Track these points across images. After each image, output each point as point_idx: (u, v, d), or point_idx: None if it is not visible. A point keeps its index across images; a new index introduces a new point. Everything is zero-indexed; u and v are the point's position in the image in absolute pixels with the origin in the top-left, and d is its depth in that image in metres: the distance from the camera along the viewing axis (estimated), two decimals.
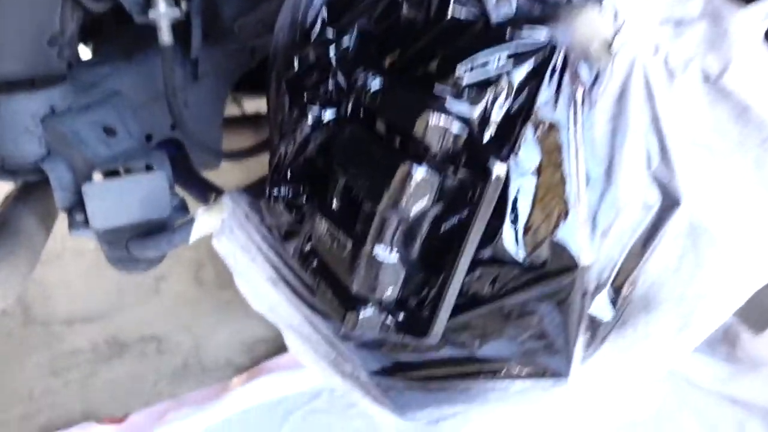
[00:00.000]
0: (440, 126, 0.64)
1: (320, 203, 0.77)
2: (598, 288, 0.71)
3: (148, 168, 1.09)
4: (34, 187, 1.23)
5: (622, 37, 0.69)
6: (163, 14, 1.05)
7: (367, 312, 0.70)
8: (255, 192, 1.05)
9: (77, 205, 1.09)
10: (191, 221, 1.06)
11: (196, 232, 1.06)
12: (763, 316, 1.34)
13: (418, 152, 0.66)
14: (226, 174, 1.65)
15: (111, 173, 1.10)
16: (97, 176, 1.11)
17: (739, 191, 0.71)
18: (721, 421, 1.68)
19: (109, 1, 1.08)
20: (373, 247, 0.67)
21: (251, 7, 1.13)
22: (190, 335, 1.83)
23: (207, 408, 1.56)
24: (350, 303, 0.71)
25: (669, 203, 0.70)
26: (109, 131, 1.13)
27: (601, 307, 0.72)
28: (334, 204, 0.75)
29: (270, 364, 1.71)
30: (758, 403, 1.69)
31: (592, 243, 0.69)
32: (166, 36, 1.07)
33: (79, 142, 1.08)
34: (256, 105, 1.80)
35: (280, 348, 1.73)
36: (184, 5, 1.10)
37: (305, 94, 0.81)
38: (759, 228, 0.71)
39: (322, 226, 0.75)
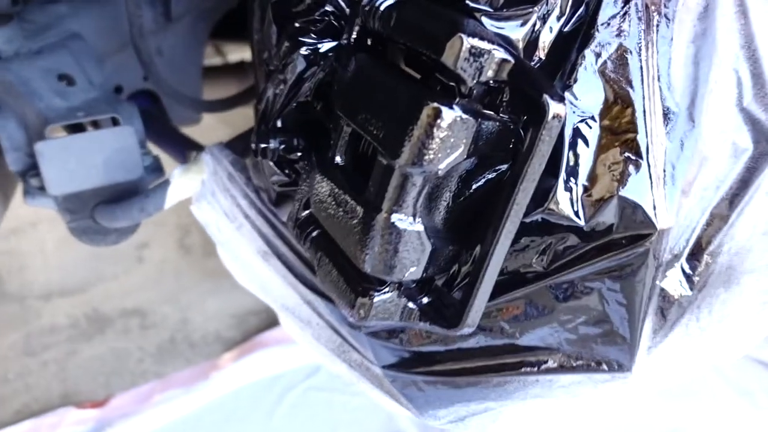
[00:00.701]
0: (477, 51, 0.48)
1: (320, 159, 0.61)
2: (674, 259, 0.56)
3: (114, 122, 0.92)
4: None
5: None
6: None
7: (384, 296, 0.55)
8: (240, 147, 0.89)
9: (32, 168, 0.93)
10: (166, 183, 0.90)
11: (173, 196, 0.90)
12: None
13: (448, 87, 0.50)
14: (210, 132, 1.49)
15: (72, 128, 0.94)
16: (56, 133, 0.95)
17: None
18: (756, 386, 1.56)
19: None
20: (390, 214, 0.52)
21: None
22: (176, 307, 1.69)
23: (195, 388, 1.43)
24: (362, 285, 0.56)
25: (764, 148, 0.55)
26: (66, 79, 0.96)
27: (674, 283, 0.57)
28: (338, 159, 0.59)
29: (263, 338, 1.57)
30: None
31: (671, 201, 0.53)
32: None
33: (29, 93, 0.92)
34: (240, 53, 1.62)
35: (273, 321, 1.59)
36: None
37: (296, 21, 0.64)
38: None
39: (323, 187, 0.59)
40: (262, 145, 0.67)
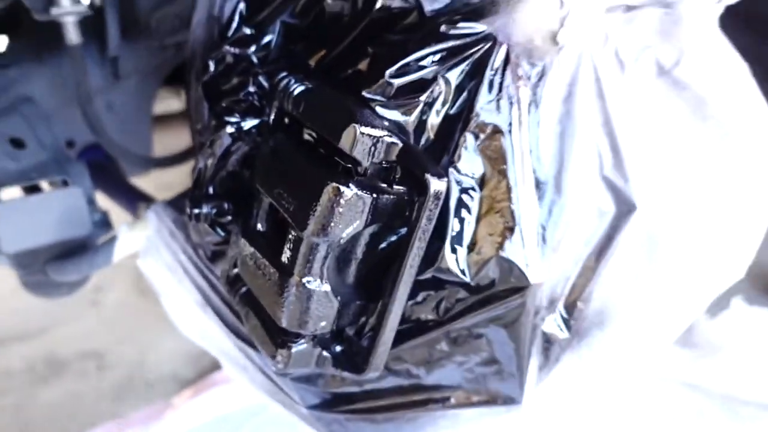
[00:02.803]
0: (370, 137, 0.57)
1: (244, 225, 0.69)
2: (551, 307, 0.65)
3: (64, 183, 0.99)
4: None
5: (568, 28, 0.62)
6: (67, 11, 0.94)
7: (301, 347, 0.63)
8: (181, 205, 0.97)
9: None
10: (114, 239, 0.97)
11: (120, 251, 0.97)
12: None
13: (347, 167, 0.59)
14: (164, 176, 1.55)
15: (27, 189, 1.00)
16: (6, 194, 1.01)
17: (699, 193, 0.65)
18: (680, 407, 1.66)
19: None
20: (302, 278, 0.60)
21: (168, 0, 1.03)
22: (132, 349, 1.73)
23: (151, 428, 1.47)
24: (281, 338, 0.63)
25: (623, 209, 0.64)
26: (18, 143, 1.02)
27: (554, 326, 0.66)
28: (259, 226, 0.67)
29: (216, 376, 1.62)
30: (716, 389, 1.67)
31: (543, 259, 0.62)
32: (73, 35, 0.97)
33: None
34: None
35: None
36: None
37: (223, 101, 0.73)
38: (716, 235, 0.66)
39: (246, 250, 0.67)
40: (196, 210, 0.74)
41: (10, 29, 1.23)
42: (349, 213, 0.57)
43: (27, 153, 1.02)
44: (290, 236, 0.61)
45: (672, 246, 0.64)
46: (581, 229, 0.64)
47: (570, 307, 0.65)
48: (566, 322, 0.66)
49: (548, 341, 0.66)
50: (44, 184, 1.06)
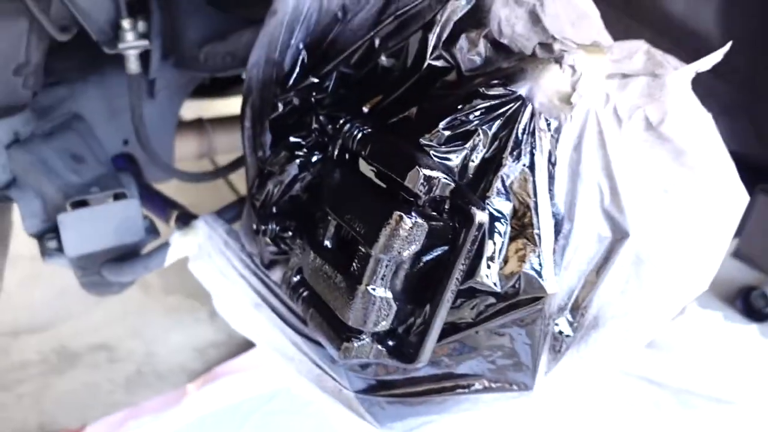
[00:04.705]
0: (429, 178, 0.72)
1: (311, 241, 0.84)
2: (560, 311, 0.81)
3: (122, 195, 1.12)
4: None
5: (578, 91, 0.79)
6: (131, 45, 1.07)
7: (362, 342, 0.78)
8: (228, 216, 1.11)
9: (48, 232, 1.11)
10: (166, 245, 1.10)
11: (172, 255, 1.10)
12: None
13: (408, 199, 0.74)
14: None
15: (80, 202, 1.12)
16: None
17: (675, 225, 0.82)
18: (639, 399, 1.86)
19: (75, 31, 1.09)
20: (368, 286, 0.75)
21: (218, 36, 1.17)
22: (141, 342, 1.85)
23: (166, 414, 1.60)
24: (346, 334, 0.78)
25: (619, 236, 0.80)
26: (78, 158, 1.15)
27: (561, 327, 0.83)
28: (327, 243, 0.82)
29: (223, 368, 1.76)
30: (670, 383, 1.88)
31: (557, 275, 0.79)
32: (133, 66, 1.10)
33: (48, 171, 1.10)
34: (197, 111, 1.81)
35: (232, 351, 1.78)
36: (142, 26, 1.13)
37: (291, 138, 0.87)
38: (688, 257, 0.83)
39: (316, 263, 0.81)
40: (263, 227, 0.89)
41: (58, 50, 1.35)
42: (410, 236, 0.73)
43: (86, 167, 1.14)
44: (360, 252, 0.76)
45: (655, 264, 0.81)
46: (586, 250, 0.80)
47: (574, 312, 0.82)
48: (571, 324, 0.82)
49: (556, 339, 0.83)
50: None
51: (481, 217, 0.73)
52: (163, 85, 1.41)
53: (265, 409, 1.64)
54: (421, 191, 0.72)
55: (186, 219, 1.22)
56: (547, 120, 0.78)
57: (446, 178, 0.73)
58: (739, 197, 0.80)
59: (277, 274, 0.96)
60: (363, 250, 0.75)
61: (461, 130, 0.76)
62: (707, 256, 0.85)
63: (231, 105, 1.96)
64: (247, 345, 1.77)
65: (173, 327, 1.88)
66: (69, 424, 1.60)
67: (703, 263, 0.85)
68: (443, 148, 0.76)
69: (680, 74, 0.82)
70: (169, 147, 1.52)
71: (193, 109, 1.94)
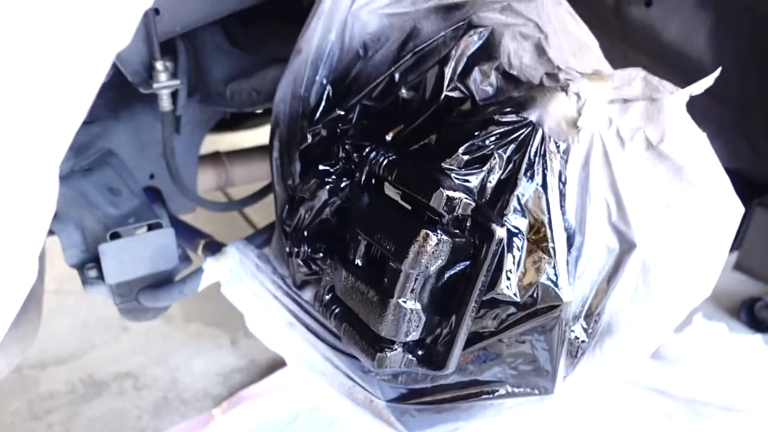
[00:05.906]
0: (453, 199, 0.79)
1: (343, 261, 0.91)
2: (575, 319, 0.88)
3: (157, 225, 1.19)
4: None
5: (584, 116, 0.86)
6: (164, 85, 1.15)
7: (394, 352, 0.85)
8: (258, 242, 1.18)
9: (88, 262, 1.18)
10: (200, 271, 1.17)
11: (206, 281, 1.17)
12: None
13: (433, 218, 0.81)
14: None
15: (118, 233, 1.19)
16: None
17: (677, 235, 0.89)
18: (651, 410, 1.91)
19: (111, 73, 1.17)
20: (399, 299, 0.82)
21: (243, 74, 1.25)
22: (165, 369, 1.91)
23: None
24: (379, 345, 0.85)
25: (626, 247, 0.87)
26: (115, 192, 1.22)
27: (577, 333, 0.89)
28: (358, 262, 0.89)
29: (247, 391, 1.81)
30: (682, 394, 1.93)
31: (571, 284, 0.85)
32: (166, 104, 1.18)
33: (88, 204, 1.17)
34: (213, 145, 1.89)
35: (254, 376, 1.84)
36: (171, 66, 1.20)
37: (320, 166, 0.95)
38: (691, 265, 0.90)
39: (349, 280, 0.88)
40: (296, 249, 0.96)
41: None
42: (436, 252, 0.80)
43: (122, 199, 1.22)
44: (389, 269, 0.83)
45: (661, 273, 0.88)
46: (596, 262, 0.87)
47: (588, 319, 0.89)
48: (585, 330, 0.89)
49: (572, 345, 0.89)
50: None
51: (500, 233, 0.80)
52: (186, 120, 1.49)
53: (292, 428, 1.69)
54: (445, 211, 0.80)
55: (212, 246, 1.29)
56: (556, 143, 0.85)
57: (467, 198, 0.80)
58: (735, 208, 0.86)
59: (308, 294, 1.03)
60: (393, 266, 0.82)
61: (478, 154, 0.84)
62: (709, 263, 0.92)
63: (246, 138, 2.05)
64: (269, 369, 1.84)
65: (196, 354, 1.94)
66: None
67: (706, 269, 0.91)
68: (463, 171, 0.83)
69: (676, 98, 0.90)
70: (193, 179, 1.59)
71: (209, 142, 2.02)
